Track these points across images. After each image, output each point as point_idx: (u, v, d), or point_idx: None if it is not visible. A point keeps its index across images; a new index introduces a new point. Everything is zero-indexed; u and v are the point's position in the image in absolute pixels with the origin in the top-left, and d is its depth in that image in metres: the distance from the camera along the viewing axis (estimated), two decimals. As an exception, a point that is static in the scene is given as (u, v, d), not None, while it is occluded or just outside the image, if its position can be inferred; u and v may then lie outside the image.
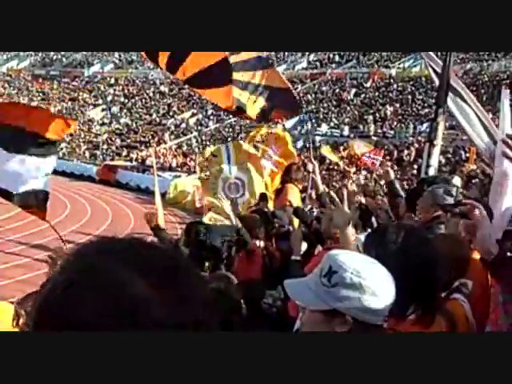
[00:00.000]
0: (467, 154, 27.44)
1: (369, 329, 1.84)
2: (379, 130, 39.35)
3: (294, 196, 8.07)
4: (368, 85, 47.50)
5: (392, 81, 46.87)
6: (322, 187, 6.16)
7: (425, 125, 37.86)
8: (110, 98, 61.45)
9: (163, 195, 29.55)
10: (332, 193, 4.81)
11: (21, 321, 2.48)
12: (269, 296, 3.47)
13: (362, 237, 4.43)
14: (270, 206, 8.47)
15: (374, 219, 6.28)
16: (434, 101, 37.62)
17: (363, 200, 7.36)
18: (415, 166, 26.60)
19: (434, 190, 4.73)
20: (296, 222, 6.32)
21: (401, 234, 2.37)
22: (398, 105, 42.98)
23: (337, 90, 48.68)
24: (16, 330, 2.47)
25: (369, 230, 4.87)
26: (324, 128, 42.67)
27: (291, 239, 5.38)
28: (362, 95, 46.57)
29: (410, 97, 43.50)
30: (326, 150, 27.74)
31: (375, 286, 1.84)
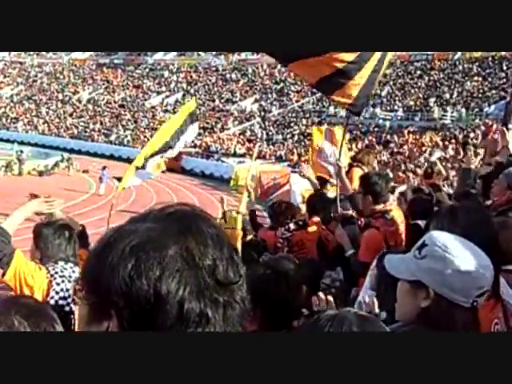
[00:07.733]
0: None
1: (451, 308, 1.89)
2: (444, 113, 38.57)
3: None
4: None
5: (457, 62, 45.80)
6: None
7: (492, 107, 36.84)
8: (173, 85, 62.02)
9: (228, 181, 29.81)
10: None
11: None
12: (327, 276, 3.49)
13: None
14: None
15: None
16: (501, 82, 36.02)
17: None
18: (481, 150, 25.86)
19: (510, 173, 4.57)
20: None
21: (466, 215, 2.39)
22: (463, 87, 41.99)
23: (400, 73, 47.85)
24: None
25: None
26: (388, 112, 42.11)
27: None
28: (426, 77, 45.63)
29: (475, 78, 42.43)
30: None
31: (461, 264, 1.88)
